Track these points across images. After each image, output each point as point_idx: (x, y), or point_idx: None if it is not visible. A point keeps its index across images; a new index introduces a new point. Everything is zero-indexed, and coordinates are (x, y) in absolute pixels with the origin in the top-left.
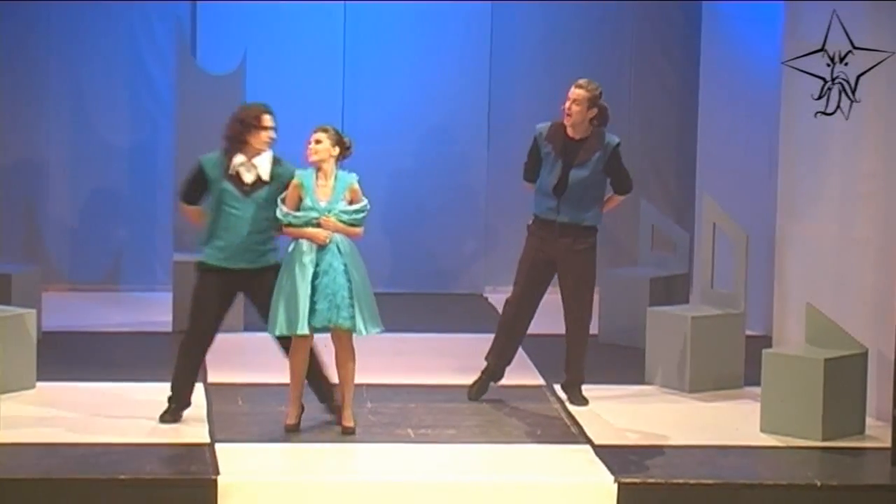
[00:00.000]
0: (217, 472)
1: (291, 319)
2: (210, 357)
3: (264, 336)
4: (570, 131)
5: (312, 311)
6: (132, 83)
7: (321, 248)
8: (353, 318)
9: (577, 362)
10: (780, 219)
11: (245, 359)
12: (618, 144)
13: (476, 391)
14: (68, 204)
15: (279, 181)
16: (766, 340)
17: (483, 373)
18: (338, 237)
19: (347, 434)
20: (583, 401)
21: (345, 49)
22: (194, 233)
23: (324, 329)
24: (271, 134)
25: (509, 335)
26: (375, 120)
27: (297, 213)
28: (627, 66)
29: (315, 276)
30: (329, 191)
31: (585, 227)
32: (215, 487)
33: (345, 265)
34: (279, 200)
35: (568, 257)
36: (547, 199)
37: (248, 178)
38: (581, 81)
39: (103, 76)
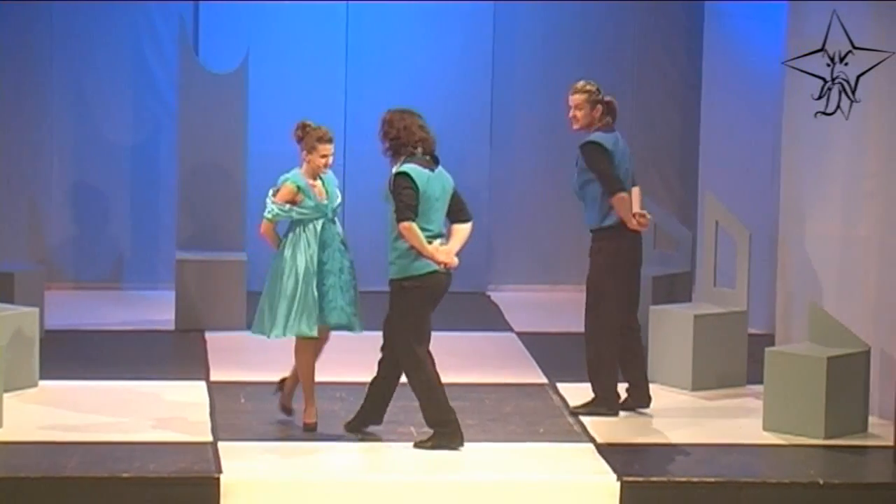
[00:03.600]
0: (220, 471)
1: (310, 321)
2: (212, 355)
3: None
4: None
5: (330, 308)
6: (134, 82)
7: (328, 245)
8: (357, 314)
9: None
10: (782, 217)
11: (247, 357)
12: (584, 143)
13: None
14: (71, 202)
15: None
16: (769, 338)
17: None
18: (341, 235)
19: (286, 412)
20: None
21: (347, 48)
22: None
23: (339, 327)
24: None
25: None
26: (377, 119)
27: (304, 209)
28: (630, 65)
29: (326, 274)
30: (321, 190)
31: (592, 230)
32: (218, 486)
33: (350, 261)
34: (270, 198)
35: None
36: None
37: None
38: (577, 85)
39: (106, 75)
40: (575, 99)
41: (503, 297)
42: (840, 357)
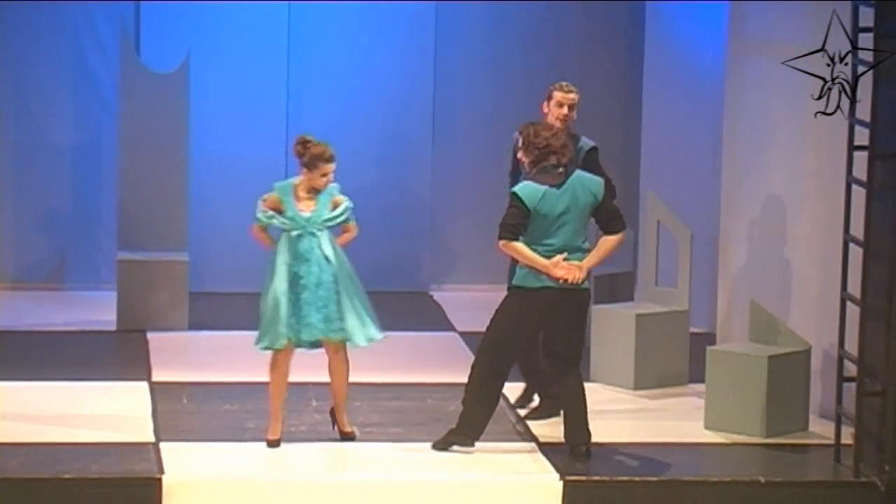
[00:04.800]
0: (162, 472)
1: (275, 333)
2: (154, 356)
3: (208, 334)
4: None
5: (304, 324)
6: (75, 82)
7: (304, 259)
8: (343, 329)
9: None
10: (723, 216)
11: (189, 357)
12: (592, 148)
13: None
14: (12, 202)
15: None
16: (711, 338)
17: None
18: (326, 248)
19: (347, 440)
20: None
21: (289, 48)
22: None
23: (316, 343)
24: None
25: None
26: (320, 119)
27: (284, 219)
28: (571, 65)
29: (302, 288)
30: (312, 203)
31: None
32: (160, 487)
33: (333, 276)
34: (261, 201)
35: None
36: None
37: None
38: (570, 85)
39: (46, 75)
40: (573, 98)
41: (446, 296)
42: (781, 356)
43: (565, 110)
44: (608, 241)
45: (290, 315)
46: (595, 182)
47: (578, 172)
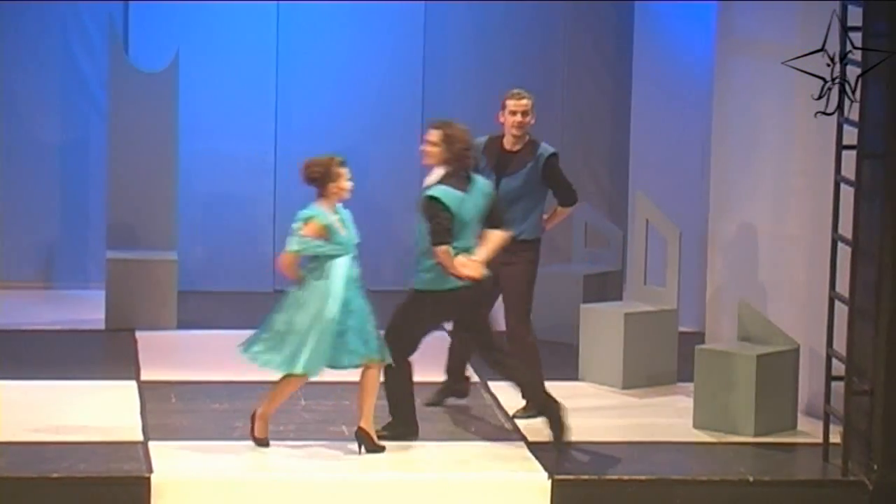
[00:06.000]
0: (150, 470)
1: (314, 363)
2: (143, 355)
3: (197, 333)
4: (506, 143)
5: (346, 351)
6: (64, 81)
7: (354, 284)
8: (376, 349)
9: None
10: (712, 215)
11: (178, 356)
12: (552, 154)
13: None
14: (0, 201)
15: None
16: (699, 336)
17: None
18: (357, 270)
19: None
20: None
21: (278, 48)
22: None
23: (353, 366)
24: None
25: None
26: (308, 119)
27: (334, 245)
28: (561, 64)
29: (349, 314)
30: (341, 224)
31: (521, 241)
32: (149, 485)
33: (364, 299)
34: (297, 229)
35: (503, 273)
36: None
37: None
38: (521, 91)
39: (35, 74)
40: (526, 104)
41: None
42: (769, 355)
43: (518, 118)
44: (496, 235)
45: (332, 343)
46: (486, 182)
47: (473, 176)
